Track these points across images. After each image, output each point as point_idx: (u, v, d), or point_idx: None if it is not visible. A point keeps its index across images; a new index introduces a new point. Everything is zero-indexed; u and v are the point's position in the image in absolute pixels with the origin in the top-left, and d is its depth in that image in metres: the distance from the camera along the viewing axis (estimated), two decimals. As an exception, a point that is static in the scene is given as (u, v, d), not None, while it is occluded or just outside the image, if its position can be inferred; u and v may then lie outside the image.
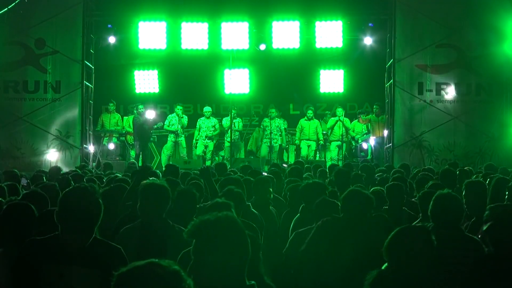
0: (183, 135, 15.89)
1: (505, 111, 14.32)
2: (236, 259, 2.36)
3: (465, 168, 9.74)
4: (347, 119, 15.98)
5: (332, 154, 15.92)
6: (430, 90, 14.57)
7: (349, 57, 16.16)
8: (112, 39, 15.56)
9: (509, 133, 14.27)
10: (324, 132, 15.92)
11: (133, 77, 16.54)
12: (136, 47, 15.41)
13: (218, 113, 16.91)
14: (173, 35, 15.26)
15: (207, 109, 15.86)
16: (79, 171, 9.71)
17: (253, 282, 2.43)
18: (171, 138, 15.73)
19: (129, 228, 4.31)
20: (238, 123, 15.91)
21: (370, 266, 4.05)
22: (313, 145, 15.79)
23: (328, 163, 13.56)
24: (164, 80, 16.74)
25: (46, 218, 4.18)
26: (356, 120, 16.14)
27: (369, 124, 15.81)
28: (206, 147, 15.70)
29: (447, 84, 14.55)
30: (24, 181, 8.27)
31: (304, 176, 8.25)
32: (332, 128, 15.81)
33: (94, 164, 14.37)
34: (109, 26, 15.57)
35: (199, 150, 15.66)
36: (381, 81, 15.71)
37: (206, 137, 15.65)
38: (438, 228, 4.10)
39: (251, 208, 5.54)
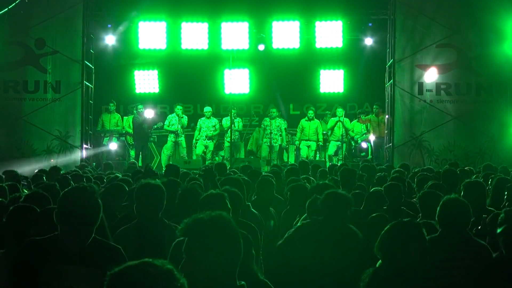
0: (183, 135, 15.90)
1: (505, 111, 14.32)
2: (227, 259, 2.35)
3: (465, 168, 9.75)
4: (347, 119, 15.98)
5: (332, 154, 15.91)
6: (430, 90, 14.57)
7: (349, 57, 16.16)
8: (112, 39, 15.57)
9: (509, 133, 14.27)
10: (324, 132, 15.91)
11: (133, 77, 16.54)
12: (136, 47, 15.42)
13: (218, 113, 16.92)
14: (173, 35, 15.26)
15: (207, 109, 15.86)
16: (79, 171, 9.71)
17: (243, 282, 2.42)
18: (171, 138, 15.73)
19: (125, 228, 4.30)
20: (238, 123, 15.91)
21: (354, 266, 4.06)
22: (313, 145, 15.79)
23: (328, 163, 13.57)
24: (164, 80, 16.74)
25: (44, 218, 4.19)
26: (356, 120, 16.14)
27: (369, 124, 15.81)
28: (206, 147, 15.70)
29: (447, 84, 14.55)
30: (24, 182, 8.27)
31: (303, 176, 8.25)
32: (332, 128, 15.80)
33: (94, 164, 14.37)
34: (109, 26, 15.58)
35: (199, 150, 15.66)
36: (381, 81, 15.72)
37: (206, 137, 15.65)
38: (446, 232, 4.09)
39: (251, 208, 5.54)
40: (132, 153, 15.75)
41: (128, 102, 16.90)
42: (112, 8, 15.21)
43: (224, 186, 5.04)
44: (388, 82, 15.00)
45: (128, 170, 10.76)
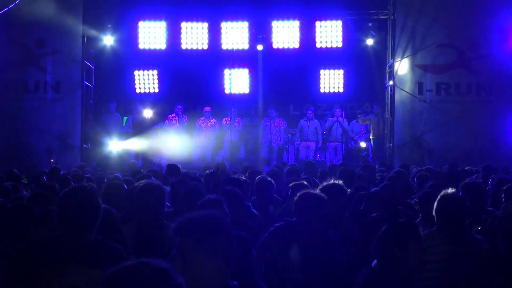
0: (183, 135, 15.89)
1: (505, 111, 14.32)
2: (220, 258, 2.35)
3: (465, 168, 9.75)
4: (345, 119, 15.96)
5: (331, 155, 15.92)
6: (430, 90, 14.57)
7: (349, 57, 16.16)
8: (111, 39, 15.57)
9: (509, 133, 14.26)
10: (325, 132, 15.91)
11: (133, 77, 16.54)
12: (136, 47, 15.41)
13: (218, 113, 16.91)
14: (173, 35, 15.26)
15: (207, 109, 15.86)
16: (79, 171, 9.71)
17: (235, 282, 2.42)
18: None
19: (125, 228, 4.30)
20: (238, 123, 15.91)
21: (327, 267, 4.05)
22: (313, 145, 15.78)
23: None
24: (164, 80, 16.73)
25: (44, 218, 4.19)
26: (356, 120, 16.14)
27: (368, 124, 15.81)
28: (205, 147, 15.70)
29: (447, 84, 14.55)
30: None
31: (304, 176, 8.24)
32: (330, 129, 15.81)
33: (94, 164, 14.37)
34: (109, 26, 15.58)
35: (199, 150, 15.67)
36: (381, 81, 15.72)
37: (206, 137, 15.66)
38: (443, 227, 4.10)
39: (251, 208, 5.54)
40: (132, 153, 15.74)
41: (128, 102, 16.89)
42: (112, 8, 15.21)
43: (225, 186, 5.04)
44: (388, 82, 15.00)
45: (128, 170, 10.76)
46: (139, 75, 16.53)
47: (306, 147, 15.75)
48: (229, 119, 15.38)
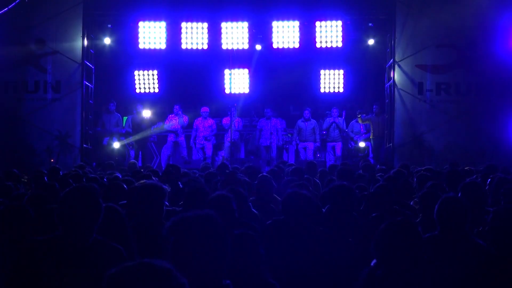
0: (183, 135, 15.91)
1: (505, 111, 14.31)
2: (213, 258, 2.34)
3: (465, 168, 9.74)
4: (342, 119, 15.95)
5: (330, 155, 15.92)
6: (430, 90, 14.57)
7: (349, 57, 16.16)
8: (112, 39, 15.57)
9: (509, 133, 14.27)
10: (324, 132, 15.91)
11: (133, 77, 16.54)
12: (136, 47, 15.41)
13: (218, 113, 16.92)
14: (173, 35, 15.26)
15: (204, 109, 15.88)
16: (80, 171, 9.70)
17: (228, 281, 2.42)
18: (171, 138, 15.74)
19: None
20: (238, 123, 15.92)
21: (313, 266, 4.05)
22: (311, 146, 15.77)
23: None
24: (164, 80, 16.73)
25: (44, 218, 4.18)
26: (356, 120, 16.14)
27: (368, 124, 15.81)
28: (203, 147, 15.72)
29: (447, 84, 14.55)
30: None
31: (306, 177, 8.23)
32: (328, 129, 15.81)
33: (94, 164, 14.36)
34: (109, 26, 15.58)
35: (197, 151, 15.69)
36: (381, 81, 15.72)
37: (203, 137, 15.67)
38: (445, 231, 4.09)
39: (252, 208, 5.54)
40: (132, 153, 15.76)
41: (128, 102, 16.90)
42: (112, 8, 15.20)
43: (227, 186, 5.05)
44: (388, 82, 15.00)
45: (128, 170, 10.76)
46: (139, 75, 16.52)
47: (304, 148, 15.75)
48: (229, 119, 15.37)
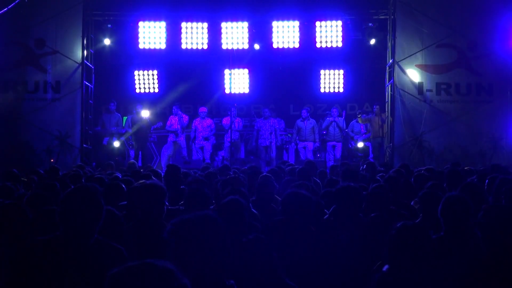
0: (183, 135, 15.90)
1: (505, 111, 14.32)
2: (214, 259, 2.35)
3: (465, 168, 9.74)
4: (342, 119, 15.95)
5: (330, 154, 15.91)
6: (430, 90, 14.56)
7: (349, 57, 16.16)
8: (112, 39, 15.57)
9: (509, 133, 14.27)
10: (324, 132, 15.90)
11: (133, 77, 16.53)
12: (136, 47, 15.41)
13: (218, 113, 16.92)
14: (173, 35, 15.26)
15: (202, 109, 15.89)
16: (80, 171, 9.69)
17: (232, 281, 2.42)
18: (171, 138, 15.75)
19: (124, 229, 4.29)
20: (238, 123, 15.91)
21: (311, 267, 4.04)
22: (310, 145, 15.76)
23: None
24: (164, 80, 16.73)
25: (44, 218, 4.17)
26: (355, 120, 16.13)
27: (368, 124, 15.81)
28: (202, 147, 15.73)
29: (447, 84, 14.55)
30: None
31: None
32: (327, 128, 15.81)
33: (94, 164, 14.36)
34: (109, 26, 15.57)
35: (197, 151, 15.70)
36: (381, 81, 15.72)
37: (202, 137, 15.68)
38: (449, 230, 4.08)
39: (251, 208, 5.54)
40: (132, 153, 15.75)
41: (128, 102, 16.90)
42: (112, 8, 15.20)
43: (227, 185, 5.05)
44: (388, 82, 15.00)
45: (128, 170, 10.75)
46: (139, 75, 16.53)
47: (304, 147, 15.74)
48: (229, 119, 15.37)
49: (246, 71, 16.31)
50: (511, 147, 14.15)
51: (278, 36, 15.11)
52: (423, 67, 14.53)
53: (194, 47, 15.26)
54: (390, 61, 14.73)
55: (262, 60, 16.34)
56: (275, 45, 15.18)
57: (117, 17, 15.42)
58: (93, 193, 3.29)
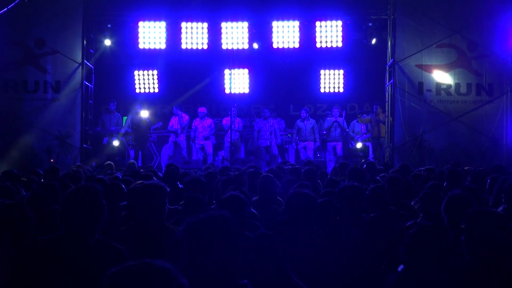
0: (183, 135, 15.92)
1: (505, 111, 14.32)
2: (229, 258, 2.36)
3: (465, 168, 9.74)
4: (344, 119, 15.97)
5: (330, 155, 15.92)
6: (430, 90, 14.57)
7: (349, 57, 16.16)
8: (112, 39, 15.57)
9: (509, 133, 14.27)
10: (324, 132, 15.90)
11: (133, 77, 16.54)
12: (136, 47, 15.41)
13: (218, 113, 16.92)
14: (173, 35, 15.26)
15: (201, 110, 15.89)
16: (79, 171, 9.69)
17: (245, 281, 2.43)
18: (172, 138, 15.76)
19: (124, 229, 4.29)
20: (238, 123, 15.93)
21: (314, 266, 4.04)
22: (311, 145, 15.77)
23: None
24: (164, 80, 16.74)
25: (44, 218, 4.17)
26: (355, 120, 16.14)
27: (369, 124, 15.82)
28: (203, 147, 15.73)
29: (447, 84, 14.55)
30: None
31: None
32: (329, 128, 15.82)
33: (94, 164, 14.35)
34: (109, 26, 15.57)
35: (197, 151, 15.71)
36: (381, 81, 15.72)
37: (202, 137, 15.69)
38: (453, 228, 4.07)
39: (251, 208, 5.54)
40: (132, 153, 15.76)
41: (128, 102, 16.89)
42: (112, 8, 15.20)
43: (227, 185, 5.05)
44: (388, 82, 15.00)
45: (127, 170, 10.75)
46: (139, 75, 16.53)
47: (304, 147, 15.74)
48: (229, 119, 15.38)
49: (246, 71, 16.31)
50: (511, 147, 14.15)
51: (278, 36, 15.10)
52: (423, 67, 14.53)
53: (194, 47, 15.25)
54: (390, 61, 14.73)
55: (262, 60, 16.34)
56: (275, 45, 15.18)
57: (117, 17, 15.40)
58: (94, 194, 3.29)
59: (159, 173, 8.88)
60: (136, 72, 16.50)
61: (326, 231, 4.46)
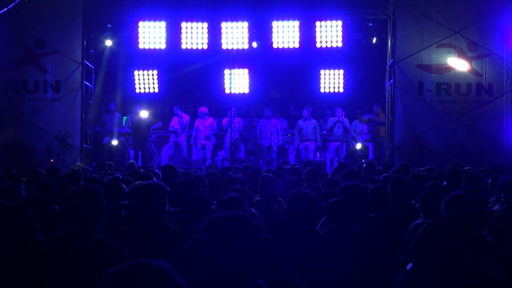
0: (184, 135, 15.92)
1: (505, 111, 14.32)
2: (246, 257, 2.38)
3: (465, 168, 9.74)
4: (347, 119, 15.98)
5: (332, 155, 15.92)
6: (430, 90, 14.57)
7: (349, 57, 16.16)
8: (112, 39, 15.57)
9: (509, 133, 14.27)
10: (324, 132, 15.90)
11: (133, 77, 16.53)
12: (135, 47, 15.41)
13: (218, 113, 16.92)
14: (173, 35, 15.25)
15: (202, 109, 15.88)
16: (79, 171, 9.69)
17: (261, 281, 2.44)
18: (172, 138, 15.77)
19: (125, 230, 4.29)
20: (238, 123, 15.92)
21: (314, 266, 4.04)
22: (312, 145, 15.77)
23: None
24: (164, 80, 16.73)
25: (44, 218, 4.17)
26: (357, 120, 16.13)
27: (369, 124, 15.81)
28: (204, 147, 15.73)
29: (447, 84, 14.55)
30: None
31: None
32: (331, 128, 15.82)
33: (94, 164, 14.36)
34: (109, 26, 15.57)
35: (198, 150, 15.71)
36: (381, 81, 15.72)
37: (204, 137, 15.69)
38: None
39: (251, 208, 5.54)
40: (132, 153, 15.76)
41: (128, 102, 16.89)
42: (112, 8, 15.20)
43: (233, 185, 5.05)
44: (388, 82, 15.00)
45: (127, 170, 10.76)
46: (139, 75, 16.52)
47: (305, 147, 15.74)
48: (228, 119, 15.37)
49: (246, 71, 16.31)
50: (511, 147, 14.15)
51: (278, 36, 15.09)
52: (423, 67, 14.53)
53: (194, 47, 15.25)
54: (390, 61, 14.73)
55: (262, 60, 16.34)
56: (275, 45, 15.17)
57: (117, 17, 15.40)
58: (95, 194, 3.30)
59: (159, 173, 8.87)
60: (136, 72, 16.50)
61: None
